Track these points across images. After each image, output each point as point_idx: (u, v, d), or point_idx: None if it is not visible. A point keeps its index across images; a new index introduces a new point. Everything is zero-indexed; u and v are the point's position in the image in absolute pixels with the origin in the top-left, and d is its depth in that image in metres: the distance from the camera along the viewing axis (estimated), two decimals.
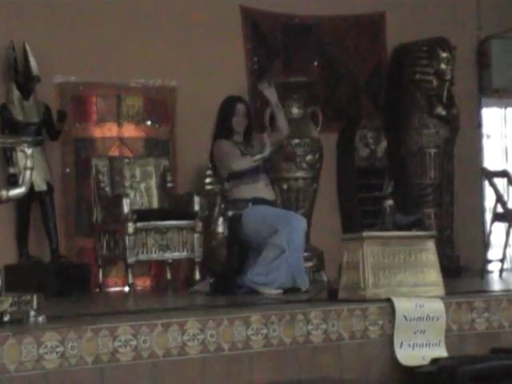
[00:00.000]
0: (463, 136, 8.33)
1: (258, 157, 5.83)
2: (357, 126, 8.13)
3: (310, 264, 7.49)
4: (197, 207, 6.74)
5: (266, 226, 5.73)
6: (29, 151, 4.05)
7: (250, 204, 5.85)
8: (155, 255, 6.69)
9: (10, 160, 6.63)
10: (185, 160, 7.50)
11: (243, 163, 5.85)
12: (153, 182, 7.21)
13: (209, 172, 7.27)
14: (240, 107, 6.00)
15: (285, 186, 7.53)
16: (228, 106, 6.02)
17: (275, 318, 4.17)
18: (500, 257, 7.17)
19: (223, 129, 5.98)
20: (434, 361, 4.42)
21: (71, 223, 7.18)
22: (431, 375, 4.30)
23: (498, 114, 9.12)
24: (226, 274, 5.87)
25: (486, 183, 7.72)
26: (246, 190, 5.89)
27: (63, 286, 6.45)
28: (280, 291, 5.60)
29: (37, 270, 6.61)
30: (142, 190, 7.17)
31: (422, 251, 4.79)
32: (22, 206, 6.69)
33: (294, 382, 4.15)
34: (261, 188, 5.91)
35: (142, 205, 7.09)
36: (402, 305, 4.50)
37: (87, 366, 3.72)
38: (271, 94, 6.02)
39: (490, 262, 7.35)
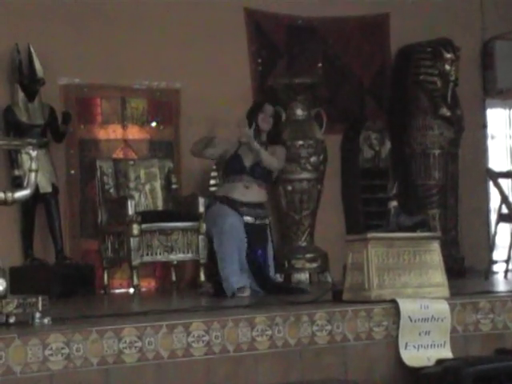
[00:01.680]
0: (468, 137, 8.33)
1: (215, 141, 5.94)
2: (361, 127, 8.12)
3: (314, 265, 7.51)
4: (201, 209, 6.73)
5: (213, 226, 5.84)
6: (34, 153, 4.06)
7: (218, 202, 5.91)
8: (160, 257, 6.69)
9: (14, 162, 6.64)
10: (189, 161, 7.50)
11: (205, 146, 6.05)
12: (157, 184, 7.21)
13: (213, 173, 7.28)
14: (268, 107, 6.12)
15: (289, 188, 7.54)
16: (255, 105, 6.24)
17: (280, 320, 4.17)
18: (505, 258, 7.16)
19: (248, 124, 6.02)
20: (439, 362, 4.42)
21: (76, 225, 7.19)
22: (436, 376, 4.30)
23: (502, 114, 9.12)
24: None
25: (491, 184, 7.71)
26: (224, 189, 5.93)
27: (68, 287, 6.46)
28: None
29: (42, 272, 6.61)
30: (146, 192, 7.18)
31: (427, 252, 4.78)
32: (27, 208, 6.70)
33: None
34: (239, 188, 5.90)
35: (147, 206, 7.10)
36: (406, 306, 4.49)
37: (92, 367, 3.72)
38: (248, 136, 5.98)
39: (494, 262, 7.34)
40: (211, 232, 5.93)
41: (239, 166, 5.95)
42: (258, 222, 5.95)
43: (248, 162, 5.98)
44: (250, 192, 5.94)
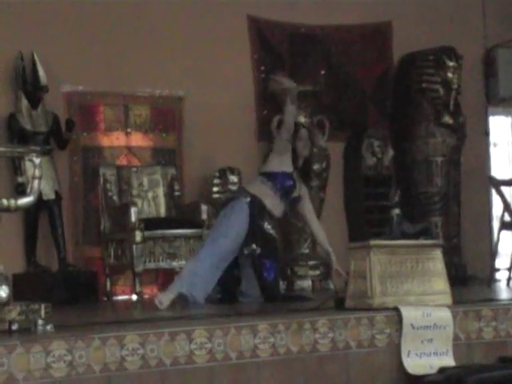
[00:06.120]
0: (470, 144, 8.34)
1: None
2: (363, 134, 8.14)
3: (317, 272, 7.51)
4: (204, 216, 6.75)
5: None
6: (37, 160, 4.07)
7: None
8: (163, 264, 6.70)
9: (18, 169, 6.66)
10: (192, 169, 7.52)
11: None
12: (160, 191, 7.23)
13: (216, 181, 7.30)
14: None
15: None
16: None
17: (282, 327, 4.17)
18: (507, 265, 7.16)
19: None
20: (442, 370, 4.41)
21: (79, 232, 7.20)
22: None
23: (504, 122, 9.12)
24: (229, 282, 5.85)
25: (493, 191, 7.71)
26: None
27: (71, 294, 6.47)
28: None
29: (45, 279, 6.62)
30: (149, 199, 7.19)
31: (429, 260, 4.78)
32: (30, 215, 6.72)
33: None
34: (267, 193, 5.81)
35: (150, 213, 7.11)
36: (409, 313, 4.49)
37: (95, 374, 3.72)
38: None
39: (497, 270, 7.34)
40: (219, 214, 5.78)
41: (289, 189, 5.80)
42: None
43: (295, 192, 5.87)
44: (279, 206, 5.86)
